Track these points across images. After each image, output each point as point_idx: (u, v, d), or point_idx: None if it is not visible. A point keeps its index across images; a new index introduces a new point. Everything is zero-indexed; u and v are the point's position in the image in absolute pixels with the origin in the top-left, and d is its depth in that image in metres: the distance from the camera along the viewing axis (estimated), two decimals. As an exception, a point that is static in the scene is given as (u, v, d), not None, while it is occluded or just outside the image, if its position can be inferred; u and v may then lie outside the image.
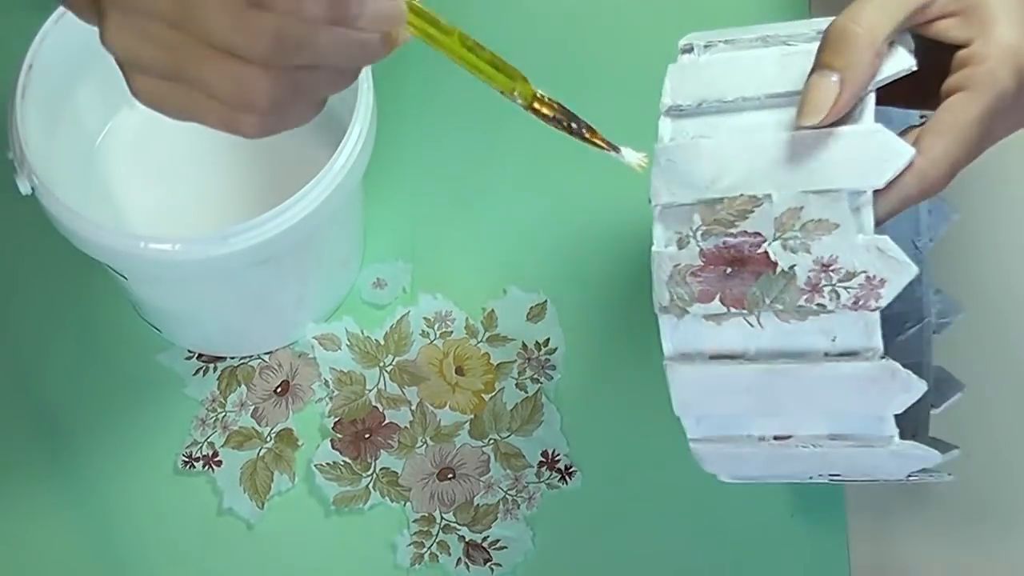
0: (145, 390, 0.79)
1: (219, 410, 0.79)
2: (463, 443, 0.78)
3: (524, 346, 0.80)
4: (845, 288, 0.55)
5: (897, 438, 0.57)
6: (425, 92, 0.87)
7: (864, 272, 0.54)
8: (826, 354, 0.56)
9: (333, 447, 0.78)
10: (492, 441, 0.78)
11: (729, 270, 0.56)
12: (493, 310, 0.81)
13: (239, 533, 0.76)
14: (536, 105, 0.58)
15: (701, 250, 0.56)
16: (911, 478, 0.60)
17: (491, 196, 0.85)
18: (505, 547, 0.75)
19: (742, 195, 0.55)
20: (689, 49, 0.61)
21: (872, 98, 0.56)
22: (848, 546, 0.74)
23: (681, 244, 0.56)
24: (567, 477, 0.77)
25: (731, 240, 0.55)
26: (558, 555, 0.75)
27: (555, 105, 0.58)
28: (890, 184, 0.54)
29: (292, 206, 0.68)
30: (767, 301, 0.55)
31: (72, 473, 0.78)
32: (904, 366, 0.55)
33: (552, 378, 0.79)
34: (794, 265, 0.55)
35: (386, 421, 0.78)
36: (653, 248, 0.57)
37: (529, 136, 0.86)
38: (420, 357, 0.80)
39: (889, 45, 0.57)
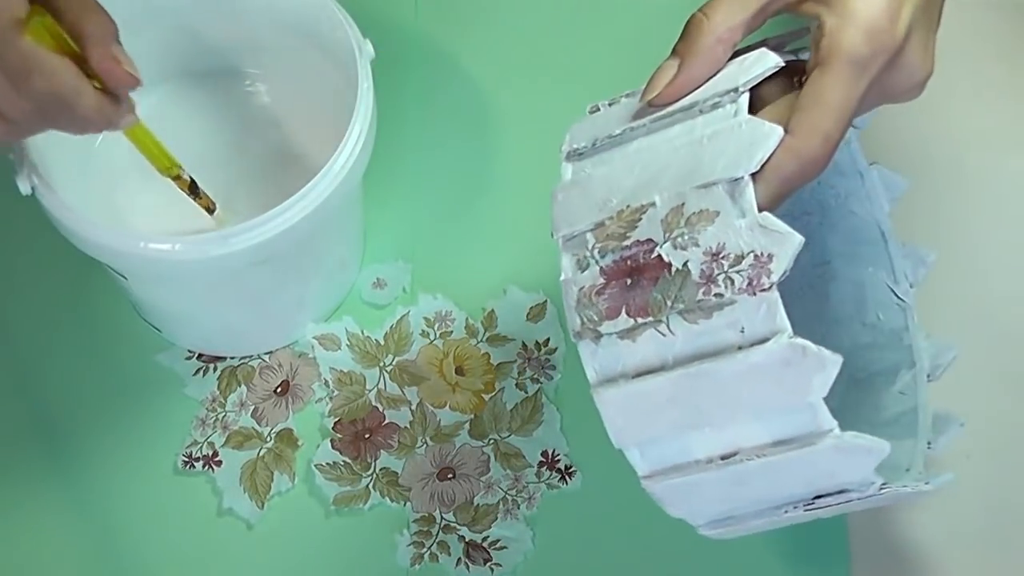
0: (145, 390, 0.80)
1: (219, 410, 0.79)
2: (463, 443, 0.78)
3: (524, 346, 0.80)
4: (737, 272, 0.55)
5: (837, 429, 0.55)
6: (425, 92, 0.87)
7: (752, 252, 0.54)
8: (739, 348, 0.55)
9: (333, 447, 0.78)
10: (492, 441, 0.78)
11: (629, 281, 0.56)
12: (493, 310, 0.81)
13: (239, 533, 0.76)
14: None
15: (601, 268, 0.57)
16: (884, 489, 0.58)
17: (491, 196, 0.85)
18: (505, 547, 0.75)
19: (628, 206, 0.56)
20: (595, 109, 0.62)
21: (745, 98, 0.56)
22: (848, 542, 0.75)
23: (582, 267, 0.57)
24: (567, 477, 0.77)
25: (626, 252, 0.56)
26: (558, 555, 0.75)
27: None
28: (765, 166, 0.55)
29: (292, 206, 0.68)
30: (669, 303, 0.56)
31: (72, 473, 0.78)
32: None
33: (552, 378, 0.79)
34: (687, 261, 0.55)
35: (386, 421, 0.78)
36: (561, 278, 0.58)
37: (529, 136, 0.86)
38: (420, 357, 0.80)
39: (775, 48, 0.58)
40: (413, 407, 0.79)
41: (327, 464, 0.77)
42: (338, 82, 0.73)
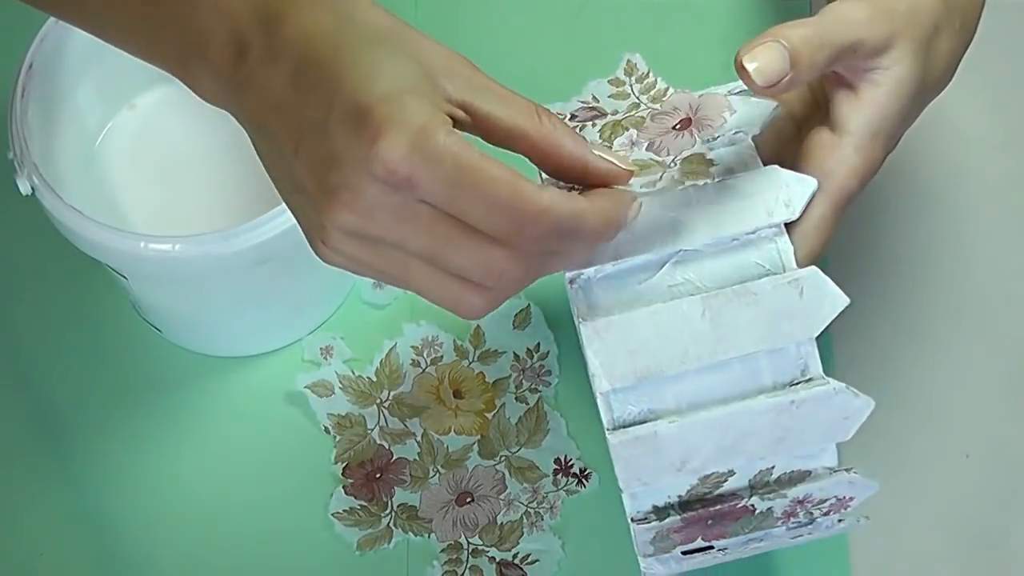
0: (146, 391, 0.78)
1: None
2: (475, 465, 0.76)
3: (516, 356, 0.79)
4: (818, 507, 0.59)
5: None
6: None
7: (834, 495, 0.59)
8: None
9: (347, 493, 0.75)
10: (503, 458, 0.76)
11: (711, 522, 0.59)
12: (479, 326, 0.80)
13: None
14: None
15: (682, 516, 0.58)
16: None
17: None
18: (537, 560, 0.73)
19: (713, 473, 0.57)
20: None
21: (817, 359, 0.56)
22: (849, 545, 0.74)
23: (661, 516, 0.58)
24: (584, 480, 0.75)
25: (710, 506, 0.58)
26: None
27: None
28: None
29: (293, 206, 0.69)
30: (746, 532, 0.59)
31: (72, 474, 0.75)
32: None
33: (550, 384, 0.78)
34: (771, 507, 0.58)
35: (395, 457, 0.76)
36: (631, 520, 0.58)
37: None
38: (416, 387, 0.78)
39: None
40: (418, 438, 0.77)
41: (344, 511, 0.75)
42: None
